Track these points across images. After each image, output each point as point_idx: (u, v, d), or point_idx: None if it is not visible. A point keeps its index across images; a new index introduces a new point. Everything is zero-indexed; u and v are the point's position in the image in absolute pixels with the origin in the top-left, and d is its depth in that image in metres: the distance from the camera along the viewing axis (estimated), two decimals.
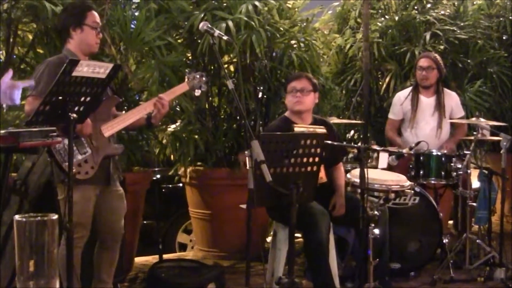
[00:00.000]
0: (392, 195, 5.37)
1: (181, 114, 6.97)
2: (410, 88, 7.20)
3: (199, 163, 7.27)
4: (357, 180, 5.10)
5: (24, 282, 1.28)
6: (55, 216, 1.29)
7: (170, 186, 7.86)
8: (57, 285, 1.30)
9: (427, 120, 7.04)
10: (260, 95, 7.37)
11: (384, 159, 5.38)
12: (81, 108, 3.94)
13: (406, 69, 8.20)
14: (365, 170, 4.88)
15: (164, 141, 7.18)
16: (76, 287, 4.42)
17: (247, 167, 4.11)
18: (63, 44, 4.91)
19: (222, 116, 7.49)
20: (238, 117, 7.26)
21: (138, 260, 6.85)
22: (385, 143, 7.26)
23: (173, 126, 7.05)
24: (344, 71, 8.74)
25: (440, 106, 6.98)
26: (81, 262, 4.72)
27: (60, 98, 3.75)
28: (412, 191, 5.66)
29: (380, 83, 8.56)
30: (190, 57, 7.10)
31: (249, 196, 4.12)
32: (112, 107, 4.86)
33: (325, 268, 5.20)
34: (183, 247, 7.78)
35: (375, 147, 5.22)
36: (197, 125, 6.94)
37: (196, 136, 6.89)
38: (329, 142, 5.07)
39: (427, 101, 7.02)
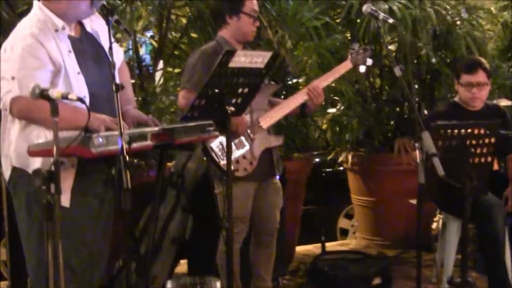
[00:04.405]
0: None
1: (341, 97, 6.73)
2: None
3: (361, 149, 7.07)
4: None
5: None
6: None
7: (331, 170, 7.68)
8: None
9: None
10: (423, 76, 7.01)
11: None
12: (239, 100, 3.77)
13: None
14: None
15: (324, 126, 7.01)
16: (236, 284, 4.31)
17: (418, 160, 3.92)
18: (217, 29, 4.78)
19: (384, 99, 7.22)
20: (400, 99, 6.99)
21: (299, 249, 6.74)
22: None
23: (333, 110, 6.87)
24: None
25: None
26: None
27: (217, 91, 3.59)
28: None
29: None
30: (349, 38, 6.82)
31: (419, 191, 3.94)
32: (269, 95, 4.70)
33: (501, 263, 4.93)
34: (344, 233, 7.64)
35: None
36: (358, 109, 6.71)
37: (356, 120, 6.69)
38: (504, 132, 4.72)
39: None
